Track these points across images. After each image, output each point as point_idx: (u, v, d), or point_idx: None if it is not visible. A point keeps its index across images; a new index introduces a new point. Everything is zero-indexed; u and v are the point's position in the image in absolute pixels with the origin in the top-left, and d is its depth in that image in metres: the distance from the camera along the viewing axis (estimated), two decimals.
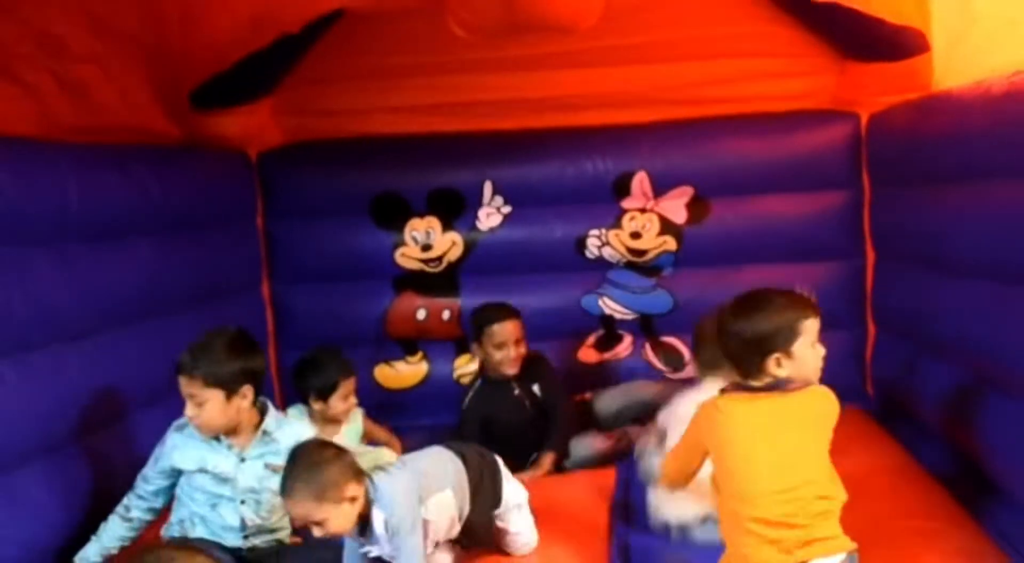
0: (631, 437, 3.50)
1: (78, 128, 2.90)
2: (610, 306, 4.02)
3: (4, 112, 2.61)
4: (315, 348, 3.33)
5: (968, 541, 2.41)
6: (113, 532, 2.53)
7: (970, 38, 3.00)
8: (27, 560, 2.41)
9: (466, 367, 4.00)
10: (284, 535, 2.61)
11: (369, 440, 3.35)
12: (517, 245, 3.98)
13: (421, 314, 4.06)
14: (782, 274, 3.58)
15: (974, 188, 2.65)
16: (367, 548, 2.22)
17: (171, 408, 2.58)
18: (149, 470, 2.56)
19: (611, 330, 4.05)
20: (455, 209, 3.99)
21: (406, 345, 4.11)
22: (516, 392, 3.46)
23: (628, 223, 3.95)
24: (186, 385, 2.42)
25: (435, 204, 3.99)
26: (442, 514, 2.29)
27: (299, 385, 3.21)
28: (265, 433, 2.53)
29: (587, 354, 4.06)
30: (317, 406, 3.14)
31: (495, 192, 3.97)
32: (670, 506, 2.54)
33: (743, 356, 2.05)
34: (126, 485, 2.59)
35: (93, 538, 2.52)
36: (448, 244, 4.02)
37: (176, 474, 2.54)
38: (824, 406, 2.05)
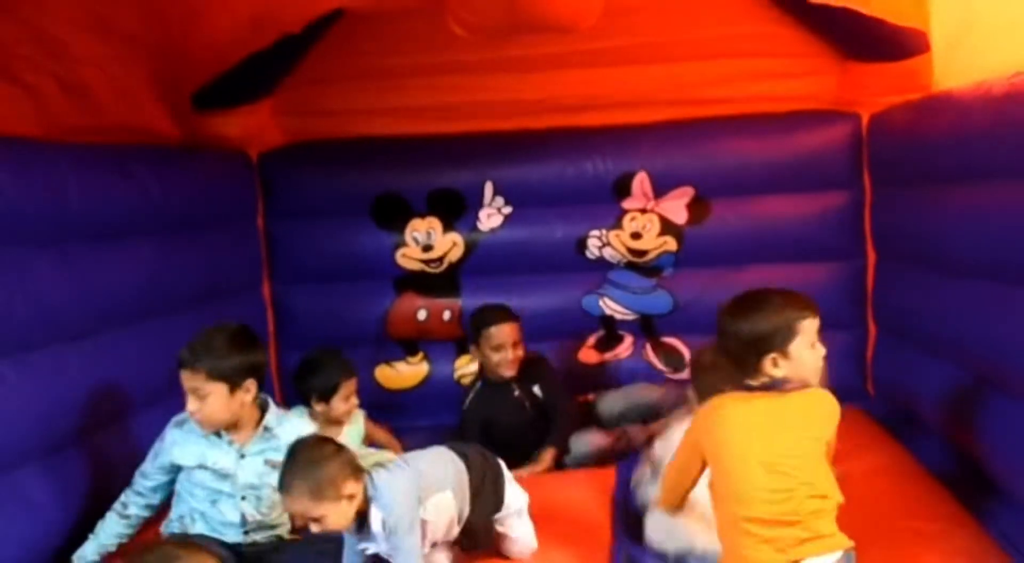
0: (631, 436, 3.51)
1: (79, 128, 2.91)
2: (610, 307, 4.02)
3: (5, 113, 2.62)
4: (315, 349, 3.33)
5: (969, 542, 2.41)
6: (110, 530, 2.53)
7: (971, 39, 2.99)
8: (27, 559, 2.41)
9: (467, 368, 4.00)
10: (284, 531, 2.60)
11: (370, 442, 3.35)
12: (518, 246, 3.99)
13: (422, 315, 4.06)
14: (783, 275, 3.59)
15: (975, 188, 2.65)
16: (364, 545, 2.21)
17: (171, 408, 2.58)
18: (148, 466, 2.56)
19: (612, 331, 4.05)
20: (456, 210, 3.99)
21: (407, 345, 4.11)
22: (516, 394, 3.46)
23: (629, 223, 3.95)
24: (189, 379, 2.41)
25: (436, 205, 4.00)
26: (441, 515, 2.29)
27: (300, 387, 3.21)
28: (266, 429, 2.52)
29: (587, 355, 4.06)
30: (319, 407, 3.14)
31: (496, 193, 3.97)
32: (667, 536, 2.50)
33: (740, 356, 2.05)
34: (126, 485, 2.59)
35: (91, 536, 2.52)
36: (449, 244, 4.02)
37: (175, 470, 2.54)
38: (822, 408, 2.04)
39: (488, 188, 3.97)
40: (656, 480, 2.66)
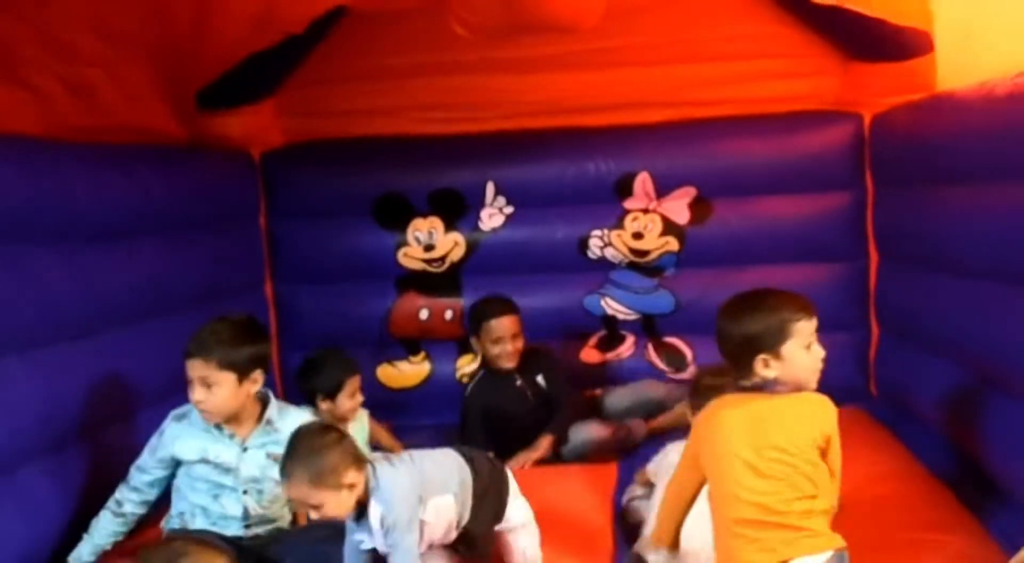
0: (631, 428, 3.51)
1: (83, 129, 2.91)
2: (612, 306, 4.03)
3: (10, 113, 2.63)
4: (318, 349, 3.33)
5: (972, 545, 2.40)
6: (105, 529, 2.51)
7: (974, 39, 3.00)
8: (31, 556, 2.42)
9: (468, 367, 4.01)
10: (284, 524, 2.60)
11: (372, 443, 3.35)
12: (519, 245, 3.99)
13: (424, 314, 4.07)
14: (785, 275, 3.59)
15: (977, 189, 2.65)
16: (359, 537, 2.19)
17: (174, 406, 2.58)
18: (145, 460, 2.53)
19: (613, 331, 4.05)
20: (457, 209, 4.00)
21: (409, 345, 4.11)
22: (518, 383, 3.47)
23: (630, 223, 3.96)
24: (200, 368, 2.41)
25: (437, 204, 4.00)
26: (440, 518, 2.26)
27: (304, 386, 3.21)
28: (268, 422, 2.52)
29: (589, 354, 4.06)
30: (324, 406, 3.15)
31: (497, 192, 3.98)
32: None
33: (734, 356, 2.05)
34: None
35: (85, 537, 2.50)
36: (451, 244, 4.03)
37: (174, 465, 2.52)
38: (812, 411, 2.02)
39: (490, 188, 3.97)
40: (648, 498, 2.65)
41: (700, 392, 2.52)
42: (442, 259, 4.04)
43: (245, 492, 2.51)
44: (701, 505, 2.12)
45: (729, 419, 2.03)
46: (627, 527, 2.77)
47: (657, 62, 3.81)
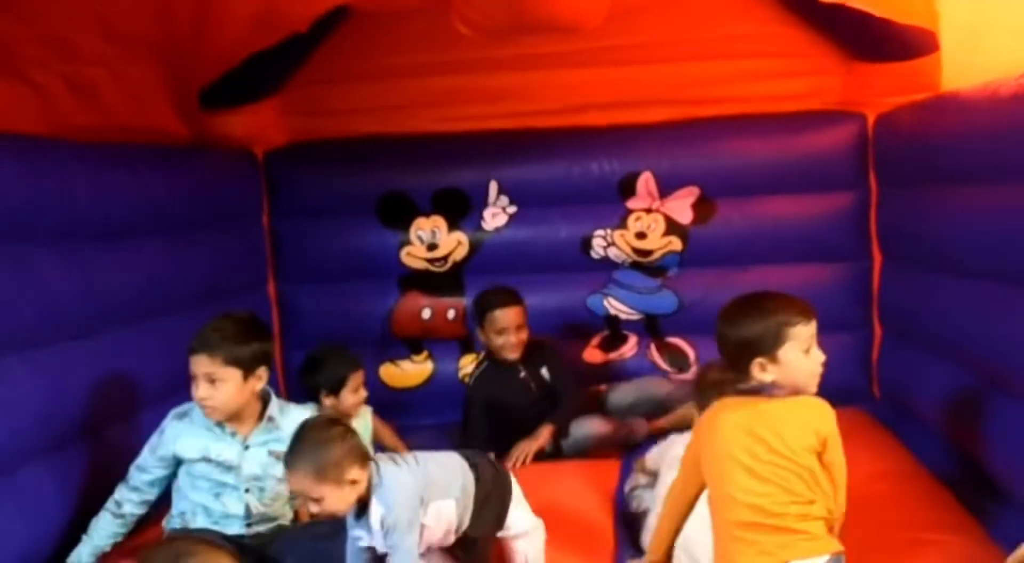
0: (632, 426, 3.51)
1: (86, 128, 2.91)
2: (615, 306, 4.02)
3: (13, 112, 2.63)
4: (320, 346, 3.33)
5: (972, 546, 2.40)
6: (105, 529, 2.50)
7: (979, 39, 2.98)
8: (31, 556, 2.42)
9: (471, 366, 4.00)
10: (286, 522, 2.59)
11: (376, 441, 3.35)
12: (522, 245, 3.99)
13: (426, 313, 4.07)
14: (788, 275, 3.59)
15: (981, 190, 2.64)
16: (357, 533, 2.19)
17: (176, 406, 2.58)
18: (145, 460, 2.53)
19: (616, 330, 4.05)
20: (461, 209, 4.00)
21: (411, 344, 4.11)
22: (522, 375, 3.47)
23: (634, 223, 3.95)
24: (205, 364, 2.40)
25: (441, 204, 4.00)
26: (439, 521, 2.25)
27: (308, 383, 3.21)
28: (270, 420, 2.52)
29: (592, 354, 4.05)
30: (328, 402, 3.15)
31: (500, 192, 3.97)
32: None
33: (732, 359, 2.05)
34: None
35: (84, 538, 2.49)
36: (453, 244, 4.02)
37: (175, 464, 2.52)
38: (808, 414, 2.01)
39: (493, 187, 3.97)
40: (651, 489, 2.65)
41: (706, 386, 2.52)
42: (445, 258, 4.04)
43: (247, 490, 2.51)
44: (704, 510, 2.12)
45: (727, 421, 2.03)
46: (629, 516, 2.77)
47: (661, 61, 3.81)
